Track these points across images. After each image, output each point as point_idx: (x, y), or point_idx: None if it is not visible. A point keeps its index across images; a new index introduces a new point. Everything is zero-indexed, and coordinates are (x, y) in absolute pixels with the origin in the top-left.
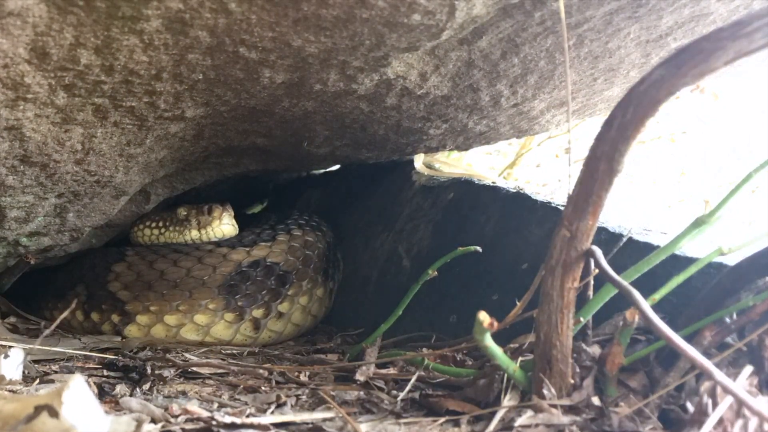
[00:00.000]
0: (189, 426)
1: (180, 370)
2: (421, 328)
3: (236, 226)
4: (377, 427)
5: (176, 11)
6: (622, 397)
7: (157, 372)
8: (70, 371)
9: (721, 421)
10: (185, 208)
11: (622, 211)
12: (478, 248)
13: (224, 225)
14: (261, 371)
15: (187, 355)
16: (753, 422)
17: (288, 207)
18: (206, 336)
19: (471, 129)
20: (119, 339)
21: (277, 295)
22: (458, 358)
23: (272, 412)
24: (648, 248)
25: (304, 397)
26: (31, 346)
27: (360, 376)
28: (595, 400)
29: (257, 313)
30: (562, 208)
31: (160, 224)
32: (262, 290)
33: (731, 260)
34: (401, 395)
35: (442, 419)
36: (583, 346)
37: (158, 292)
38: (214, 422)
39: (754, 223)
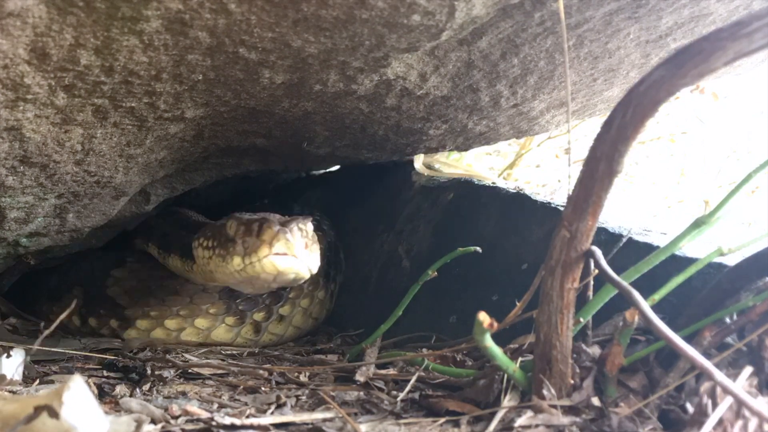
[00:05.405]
0: (189, 427)
1: (180, 371)
2: (421, 329)
3: (309, 257)
4: (377, 427)
5: (176, 12)
6: (622, 398)
7: (157, 372)
8: (70, 372)
9: (720, 422)
10: (235, 220)
11: (622, 211)
12: (478, 248)
13: (274, 257)
14: (261, 372)
15: (187, 355)
16: (753, 423)
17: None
18: (206, 339)
19: (471, 129)
20: (119, 340)
21: (278, 298)
22: (458, 359)
23: (272, 413)
24: (648, 248)
25: (304, 398)
26: (31, 346)
27: (360, 377)
28: (595, 401)
29: (258, 316)
30: (561, 209)
31: (212, 243)
32: (263, 294)
33: (731, 260)
34: (401, 396)
35: (442, 420)
36: (583, 346)
37: (158, 297)
38: (213, 423)
39: (754, 224)
